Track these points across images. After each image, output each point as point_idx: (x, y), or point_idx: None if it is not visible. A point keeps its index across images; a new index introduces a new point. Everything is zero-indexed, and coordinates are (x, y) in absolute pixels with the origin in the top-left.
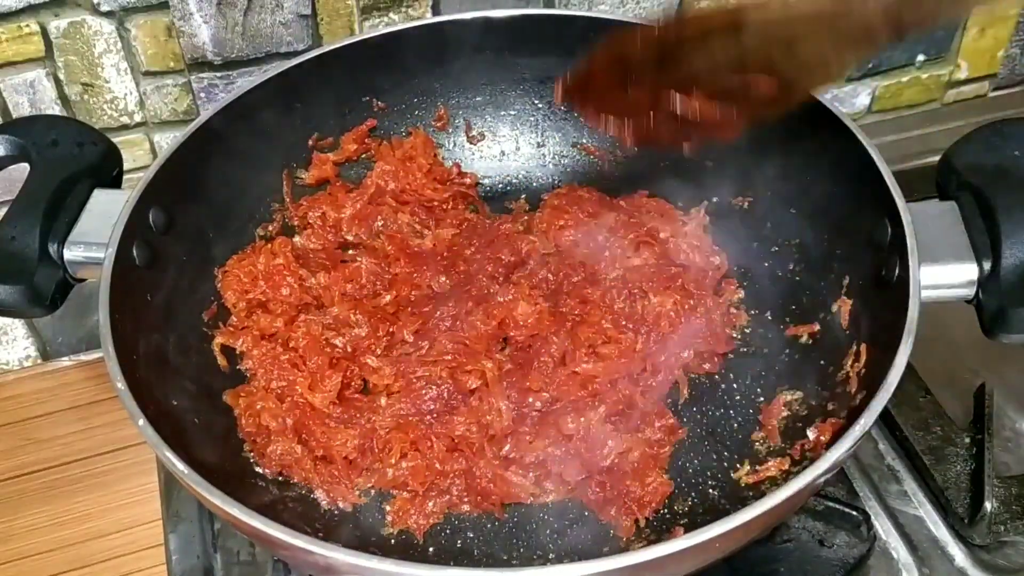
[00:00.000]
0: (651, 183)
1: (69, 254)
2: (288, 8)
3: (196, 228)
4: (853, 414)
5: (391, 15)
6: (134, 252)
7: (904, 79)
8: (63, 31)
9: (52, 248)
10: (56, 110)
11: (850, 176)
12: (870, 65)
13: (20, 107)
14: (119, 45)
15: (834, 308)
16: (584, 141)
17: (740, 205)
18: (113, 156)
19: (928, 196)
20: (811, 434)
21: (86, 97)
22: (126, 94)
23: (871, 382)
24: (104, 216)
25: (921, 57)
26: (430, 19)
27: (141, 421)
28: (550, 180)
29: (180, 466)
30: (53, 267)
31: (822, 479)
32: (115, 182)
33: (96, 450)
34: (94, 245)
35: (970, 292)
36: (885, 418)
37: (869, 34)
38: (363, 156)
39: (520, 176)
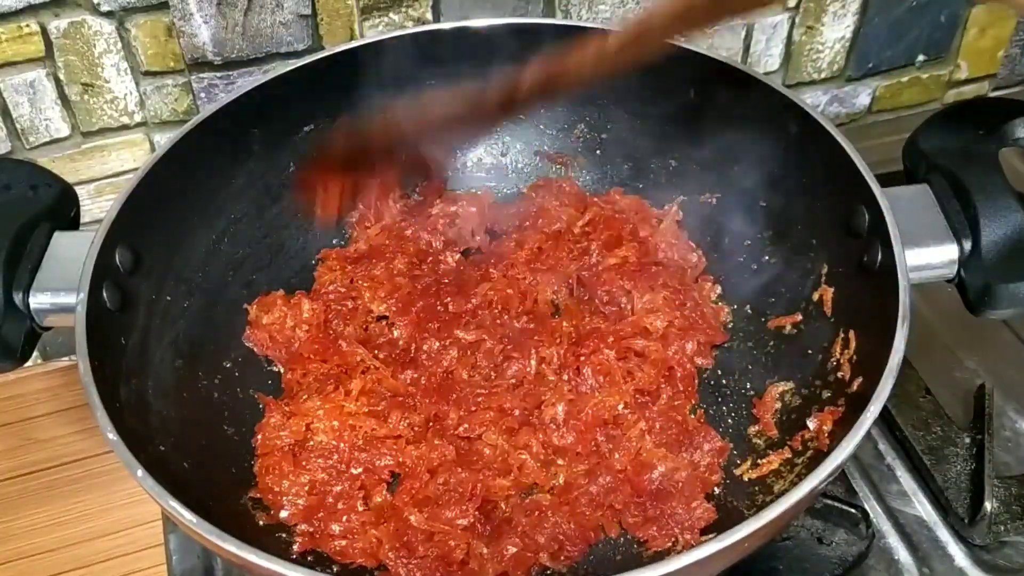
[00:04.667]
0: (615, 187)
1: (35, 303)
2: (288, 8)
3: (164, 266)
4: (853, 400)
5: (391, 15)
6: (104, 295)
7: (904, 79)
8: (63, 31)
9: (17, 298)
10: (56, 110)
11: (819, 166)
12: (870, 65)
13: (20, 107)
14: (119, 45)
15: (815, 297)
16: (546, 148)
17: (708, 202)
18: (69, 197)
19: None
20: (812, 424)
21: (86, 97)
22: (126, 94)
23: (867, 367)
24: (68, 260)
25: (921, 57)
26: (375, 37)
27: (140, 472)
28: (514, 190)
29: (188, 515)
30: (19, 318)
31: (847, 460)
32: (73, 224)
33: (96, 450)
34: (61, 291)
35: (951, 272)
36: (885, 418)
37: None
38: None
39: (484, 188)
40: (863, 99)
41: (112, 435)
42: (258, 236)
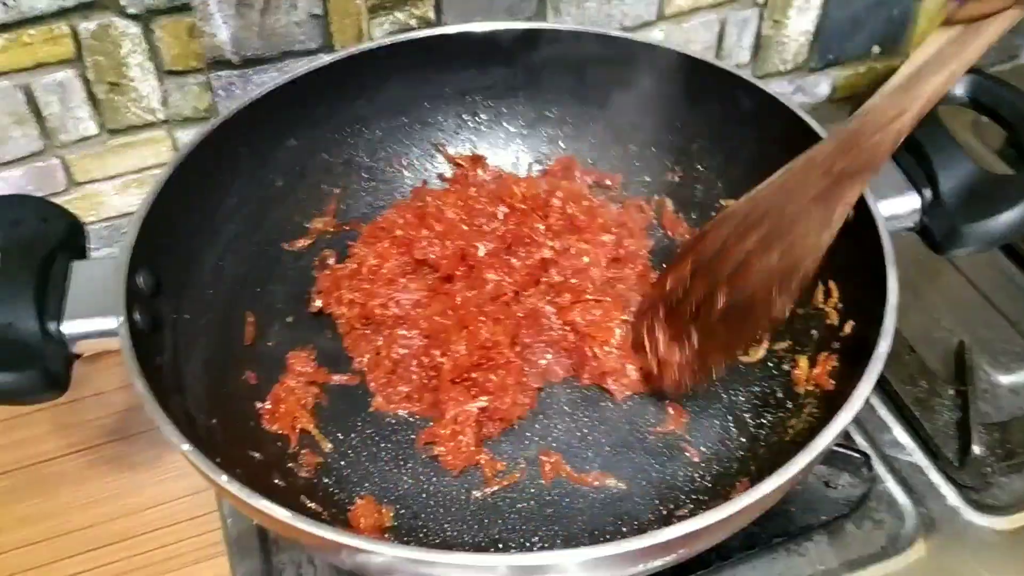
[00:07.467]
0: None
1: (68, 330)
2: (302, 8)
3: (178, 286)
4: (849, 341)
5: (396, 14)
6: (136, 317)
7: (861, 69)
8: (92, 33)
9: (51, 327)
10: (85, 109)
11: (777, 137)
12: (830, 56)
13: (51, 106)
14: (144, 46)
15: None
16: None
17: (672, 179)
18: (77, 227)
19: None
20: (814, 366)
21: (112, 96)
22: (150, 92)
23: (857, 311)
24: (91, 287)
25: (876, 49)
26: (351, 50)
27: (224, 477)
28: None
29: (280, 512)
30: (57, 346)
31: (871, 393)
32: (83, 253)
33: (130, 430)
34: (94, 317)
35: (914, 221)
36: None
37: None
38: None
39: None
40: (823, 88)
41: (186, 446)
42: (256, 251)
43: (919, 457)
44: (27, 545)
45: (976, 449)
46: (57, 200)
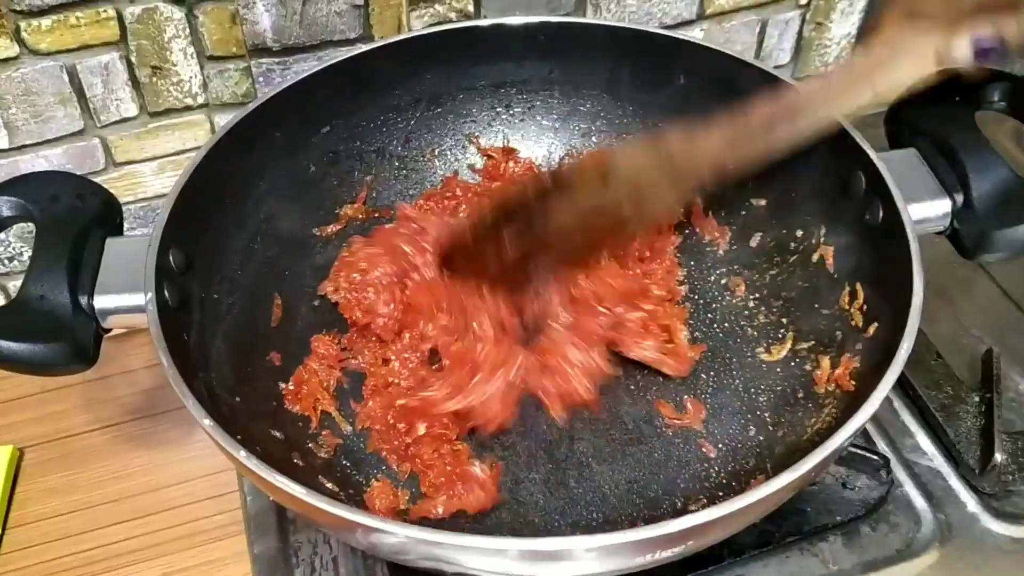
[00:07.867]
0: None
1: (99, 305)
2: None
3: (209, 265)
4: (872, 343)
5: (436, 7)
6: (166, 294)
7: None
8: (137, 17)
9: (83, 301)
10: (127, 91)
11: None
12: None
13: (94, 87)
14: (187, 31)
15: (815, 258)
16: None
17: None
18: (113, 204)
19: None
20: (836, 367)
21: (154, 79)
22: (191, 77)
23: (880, 314)
24: (123, 264)
25: None
26: (388, 39)
27: (243, 453)
28: None
29: (298, 489)
30: (87, 320)
31: (888, 392)
32: (119, 230)
33: (157, 409)
34: (124, 293)
35: (944, 225)
36: (899, 378)
37: (696, 178)
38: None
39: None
40: None
41: (208, 421)
42: (286, 235)
43: (940, 463)
44: (53, 517)
45: (999, 456)
46: (96, 180)
